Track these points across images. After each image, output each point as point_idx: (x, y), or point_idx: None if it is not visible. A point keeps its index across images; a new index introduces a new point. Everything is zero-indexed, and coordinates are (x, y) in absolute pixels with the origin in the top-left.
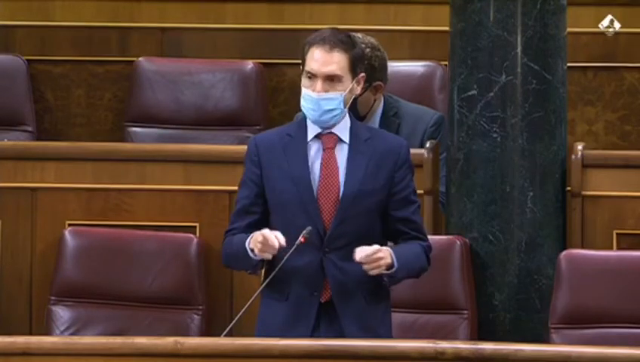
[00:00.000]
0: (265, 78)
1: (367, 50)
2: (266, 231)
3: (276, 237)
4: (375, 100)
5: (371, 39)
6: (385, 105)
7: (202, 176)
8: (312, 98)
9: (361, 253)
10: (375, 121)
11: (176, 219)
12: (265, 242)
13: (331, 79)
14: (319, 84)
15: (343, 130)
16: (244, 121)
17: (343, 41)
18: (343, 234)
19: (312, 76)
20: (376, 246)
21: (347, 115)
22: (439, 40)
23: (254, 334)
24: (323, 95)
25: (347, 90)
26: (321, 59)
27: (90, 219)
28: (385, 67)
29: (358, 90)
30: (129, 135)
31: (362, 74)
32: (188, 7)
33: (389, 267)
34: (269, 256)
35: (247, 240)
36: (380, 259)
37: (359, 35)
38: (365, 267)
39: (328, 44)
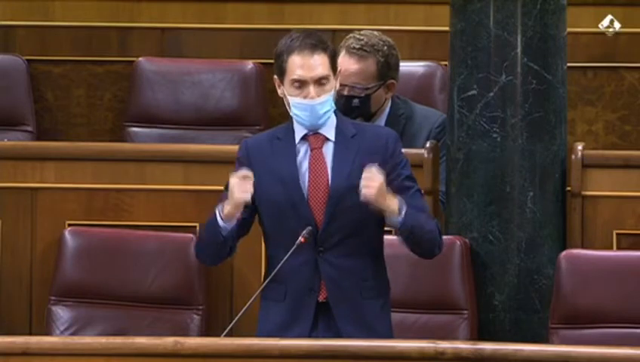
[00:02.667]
0: (265, 78)
1: (385, 48)
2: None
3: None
4: (386, 99)
5: (388, 38)
6: (392, 104)
7: (202, 176)
8: (306, 105)
9: (370, 170)
10: (382, 119)
11: (176, 219)
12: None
13: (321, 82)
14: (312, 89)
15: (329, 129)
16: (244, 121)
17: (319, 41)
18: (336, 231)
19: (301, 84)
20: (379, 175)
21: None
22: (439, 40)
23: (255, 336)
24: (317, 100)
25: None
26: (307, 65)
27: (90, 219)
28: (398, 66)
29: (338, 85)
30: (129, 135)
31: (340, 69)
32: (188, 7)
33: (398, 212)
34: (241, 203)
35: (218, 208)
36: (374, 186)
37: (376, 32)
38: (361, 184)
39: (308, 47)
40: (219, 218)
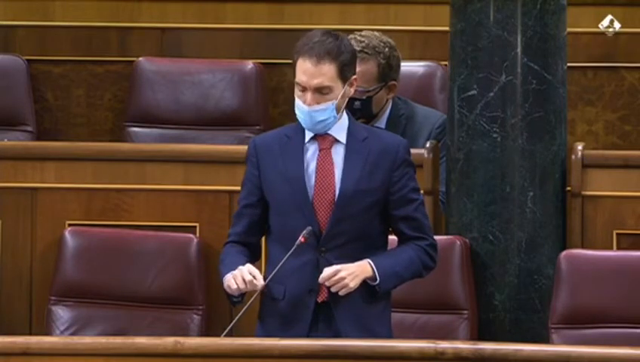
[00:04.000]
0: (265, 78)
1: (386, 49)
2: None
3: (250, 274)
4: (387, 100)
5: (389, 39)
6: (393, 105)
7: (202, 176)
8: (303, 110)
9: (323, 273)
10: (383, 120)
11: (176, 219)
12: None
13: (321, 91)
14: (309, 96)
15: (339, 130)
16: (244, 121)
17: (330, 50)
18: (340, 234)
19: (302, 88)
20: (334, 268)
21: (345, 115)
22: (439, 40)
23: (255, 334)
24: (314, 107)
25: (339, 97)
26: (309, 72)
27: (90, 219)
28: (399, 67)
29: (352, 91)
30: (129, 135)
31: (354, 76)
32: (188, 7)
33: (372, 279)
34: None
35: (226, 277)
36: (342, 278)
37: (376, 33)
38: (332, 288)
39: (315, 55)
40: (226, 286)
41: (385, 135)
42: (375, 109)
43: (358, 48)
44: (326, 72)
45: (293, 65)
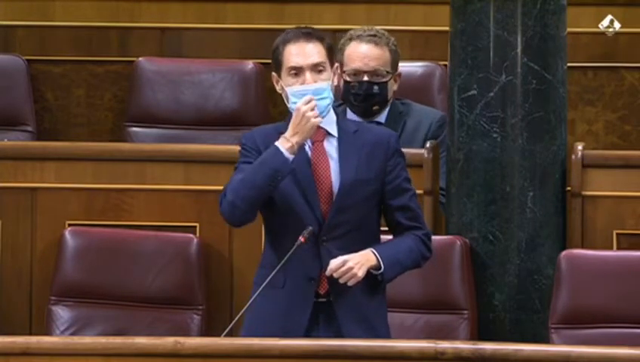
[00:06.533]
0: (265, 78)
1: (392, 39)
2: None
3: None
4: (394, 93)
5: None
6: (392, 103)
7: (202, 176)
8: (304, 91)
9: (330, 265)
10: (383, 116)
11: (176, 219)
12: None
13: (317, 69)
14: (308, 75)
15: (330, 124)
16: (244, 121)
17: (313, 32)
18: (341, 224)
19: (297, 72)
20: (341, 259)
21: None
22: (439, 40)
23: (246, 321)
24: (314, 85)
25: (331, 80)
26: (302, 52)
27: (90, 219)
28: None
29: (336, 81)
30: (129, 135)
31: (337, 64)
32: (188, 7)
33: (377, 268)
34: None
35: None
36: (350, 268)
37: (376, 27)
38: (340, 280)
39: (303, 37)
40: (284, 150)
41: (374, 128)
42: (389, 96)
43: (371, 33)
44: (319, 50)
45: (276, 62)
